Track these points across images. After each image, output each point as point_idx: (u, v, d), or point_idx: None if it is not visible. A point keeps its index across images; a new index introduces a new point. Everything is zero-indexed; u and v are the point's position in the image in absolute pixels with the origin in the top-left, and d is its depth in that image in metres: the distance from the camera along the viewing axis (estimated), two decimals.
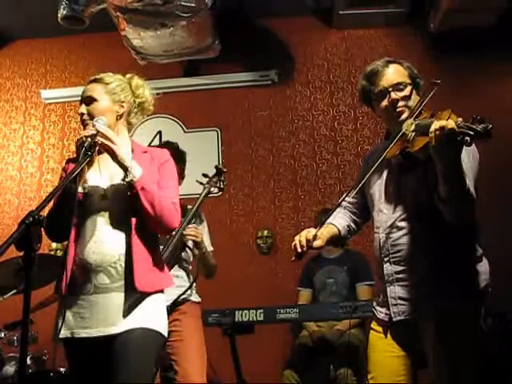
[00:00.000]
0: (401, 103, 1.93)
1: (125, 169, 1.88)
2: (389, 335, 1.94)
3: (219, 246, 3.17)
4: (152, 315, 1.91)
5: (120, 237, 1.92)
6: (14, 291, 3.11)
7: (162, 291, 1.99)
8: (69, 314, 1.88)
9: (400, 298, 1.88)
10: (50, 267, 2.42)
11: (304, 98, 4.78)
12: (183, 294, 2.74)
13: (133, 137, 2.17)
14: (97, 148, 1.87)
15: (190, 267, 2.94)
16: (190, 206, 2.91)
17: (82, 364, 1.94)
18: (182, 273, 2.85)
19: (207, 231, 3.03)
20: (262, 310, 3.05)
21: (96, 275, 1.89)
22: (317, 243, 1.98)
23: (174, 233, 2.76)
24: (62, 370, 3.18)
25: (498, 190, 4.03)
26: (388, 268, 1.92)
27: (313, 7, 4.69)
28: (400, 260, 1.90)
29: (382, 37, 4.79)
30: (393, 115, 1.95)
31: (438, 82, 1.87)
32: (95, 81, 2.06)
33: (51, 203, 1.82)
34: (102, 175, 2.01)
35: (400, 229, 1.90)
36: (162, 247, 2.73)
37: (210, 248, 2.97)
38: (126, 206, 1.92)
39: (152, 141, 4.67)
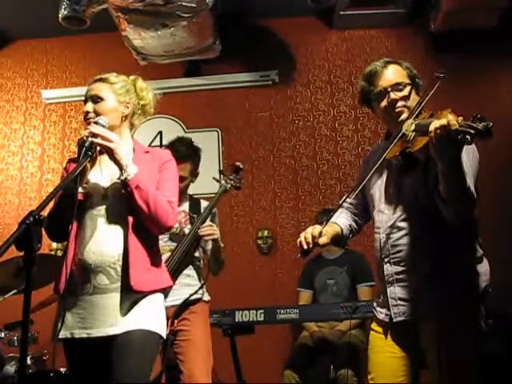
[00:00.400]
0: (400, 103, 1.92)
1: (120, 167, 1.88)
2: (389, 336, 1.93)
3: None
4: (151, 316, 1.90)
5: (120, 237, 1.92)
6: (14, 291, 3.11)
7: (160, 291, 1.98)
8: (68, 315, 1.87)
9: (400, 299, 1.88)
10: (50, 267, 2.42)
11: (305, 99, 4.78)
12: (195, 293, 2.74)
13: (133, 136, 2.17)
14: (98, 148, 1.87)
15: (202, 265, 2.94)
16: (204, 203, 2.92)
17: (81, 364, 1.94)
18: (192, 272, 2.85)
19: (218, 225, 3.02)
20: (262, 311, 3.05)
21: (95, 276, 1.88)
22: (322, 240, 1.94)
23: (188, 231, 2.77)
24: (62, 369, 3.18)
25: (498, 189, 4.03)
26: (388, 268, 1.92)
27: (316, 7, 4.67)
28: (400, 260, 1.89)
29: (383, 37, 4.79)
30: (392, 115, 1.94)
31: (442, 75, 1.84)
32: (101, 80, 2.05)
33: (52, 203, 1.82)
34: (102, 175, 2.01)
35: (400, 229, 1.90)
36: (176, 245, 2.75)
37: (221, 244, 2.97)
38: (126, 205, 1.92)
39: (153, 141, 4.66)
